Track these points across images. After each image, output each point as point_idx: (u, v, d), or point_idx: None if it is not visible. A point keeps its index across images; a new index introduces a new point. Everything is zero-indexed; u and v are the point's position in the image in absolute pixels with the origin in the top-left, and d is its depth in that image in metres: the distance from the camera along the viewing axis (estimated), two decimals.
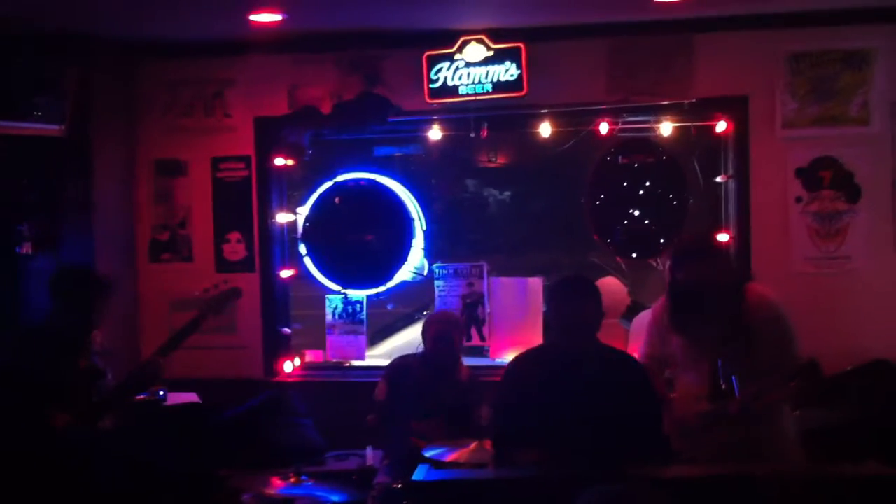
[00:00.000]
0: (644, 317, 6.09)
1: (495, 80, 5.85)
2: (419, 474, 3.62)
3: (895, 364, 5.51)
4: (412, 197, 6.49)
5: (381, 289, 6.40)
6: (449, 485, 3.62)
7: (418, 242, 6.41)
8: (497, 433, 4.16)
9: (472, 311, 6.33)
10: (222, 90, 6.31)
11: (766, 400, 3.89)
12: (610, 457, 3.67)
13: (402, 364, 5.45)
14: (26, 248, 5.77)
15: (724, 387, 3.86)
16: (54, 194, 5.86)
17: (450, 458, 4.50)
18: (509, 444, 3.98)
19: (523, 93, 5.82)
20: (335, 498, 4.39)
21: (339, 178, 6.44)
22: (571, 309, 3.90)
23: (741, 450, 3.87)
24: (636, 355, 5.96)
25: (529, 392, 3.97)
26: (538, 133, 6.07)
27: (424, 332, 5.31)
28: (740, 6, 5.58)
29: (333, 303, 6.46)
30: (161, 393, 5.43)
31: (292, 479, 4.52)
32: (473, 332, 6.31)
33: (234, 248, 6.36)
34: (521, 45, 5.79)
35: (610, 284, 6.19)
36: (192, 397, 5.74)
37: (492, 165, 7.46)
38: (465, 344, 6.15)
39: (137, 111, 6.40)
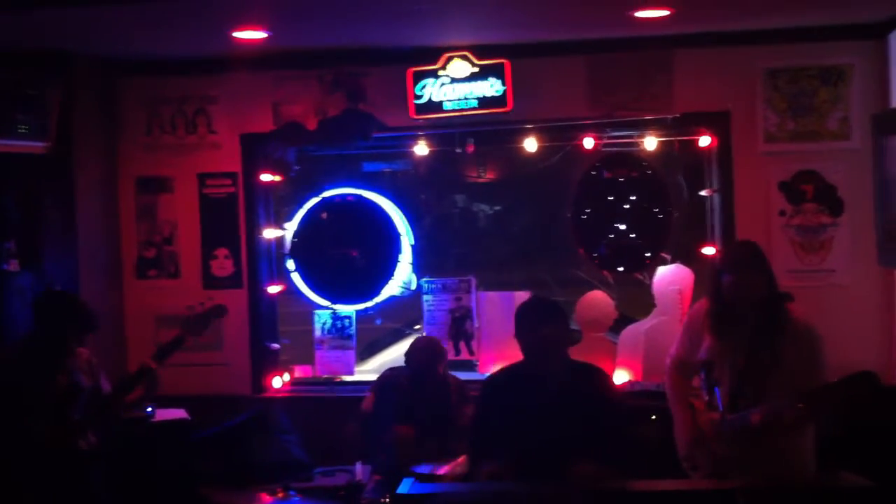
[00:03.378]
0: (632, 330, 6.13)
1: (480, 95, 5.88)
2: (404, 488, 3.64)
3: (879, 376, 5.54)
4: (399, 212, 6.52)
5: (370, 304, 6.42)
6: (434, 498, 3.64)
7: (406, 257, 6.44)
8: (470, 448, 4.20)
9: (461, 326, 6.35)
10: (205, 107, 6.33)
11: (786, 419, 3.93)
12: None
13: (391, 377, 5.47)
14: (13, 266, 5.78)
15: (706, 398, 3.90)
16: (36, 211, 5.86)
17: (437, 471, 4.52)
18: (481, 458, 4.01)
19: (508, 108, 5.85)
20: None
21: (327, 194, 6.47)
22: (536, 333, 3.96)
23: (752, 463, 3.89)
24: (626, 368, 6.04)
25: (500, 409, 4.02)
26: (523, 148, 6.11)
27: (408, 360, 5.33)
28: (718, 23, 5.63)
29: (322, 318, 6.47)
30: (149, 409, 5.45)
31: (280, 495, 4.52)
32: (462, 346, 6.33)
33: (222, 264, 6.36)
34: (504, 61, 5.83)
35: (597, 298, 6.21)
36: (180, 413, 5.75)
37: (479, 181, 7.50)
38: (454, 358, 6.18)
39: (119, 129, 6.40)
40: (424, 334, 6.20)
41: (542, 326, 3.97)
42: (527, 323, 4.02)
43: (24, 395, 4.49)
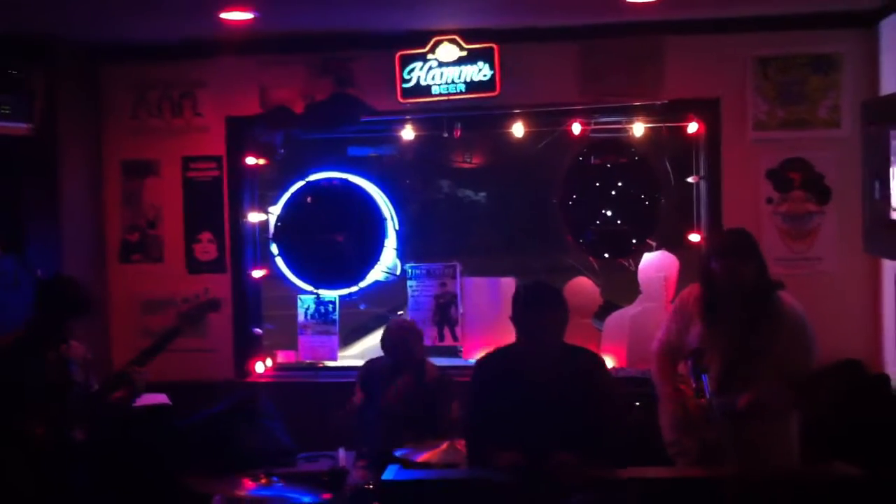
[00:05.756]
0: (617, 316, 6.12)
1: (468, 80, 5.84)
2: (389, 474, 3.62)
3: (865, 364, 5.56)
4: (385, 197, 6.48)
5: (354, 289, 6.39)
6: (419, 484, 3.62)
7: (391, 242, 6.40)
8: (469, 433, 4.17)
9: (445, 311, 6.33)
10: (192, 90, 6.27)
11: (773, 404, 3.93)
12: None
13: (372, 367, 5.45)
14: None
15: (694, 385, 3.89)
16: (19, 194, 5.80)
17: (421, 458, 4.50)
18: (482, 444, 3.98)
19: (496, 93, 5.82)
20: (306, 499, 4.36)
21: (312, 178, 6.43)
22: (536, 317, 3.93)
23: (738, 448, 3.88)
24: (611, 355, 6.03)
25: (493, 390, 3.99)
26: (511, 134, 6.07)
27: (382, 343, 5.31)
28: (709, 9, 5.61)
29: (305, 303, 6.43)
30: None
31: (263, 481, 4.48)
32: (446, 332, 6.31)
33: (206, 249, 6.32)
34: (493, 45, 5.79)
35: (582, 285, 6.19)
36: (161, 398, 5.70)
37: (466, 166, 7.48)
38: (438, 344, 6.16)
39: (104, 112, 6.35)
40: (401, 316, 6.18)
41: (541, 309, 3.93)
42: (525, 305, 3.98)
43: (19, 390, 4.44)
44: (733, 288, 4.07)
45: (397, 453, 4.51)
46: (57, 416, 4.49)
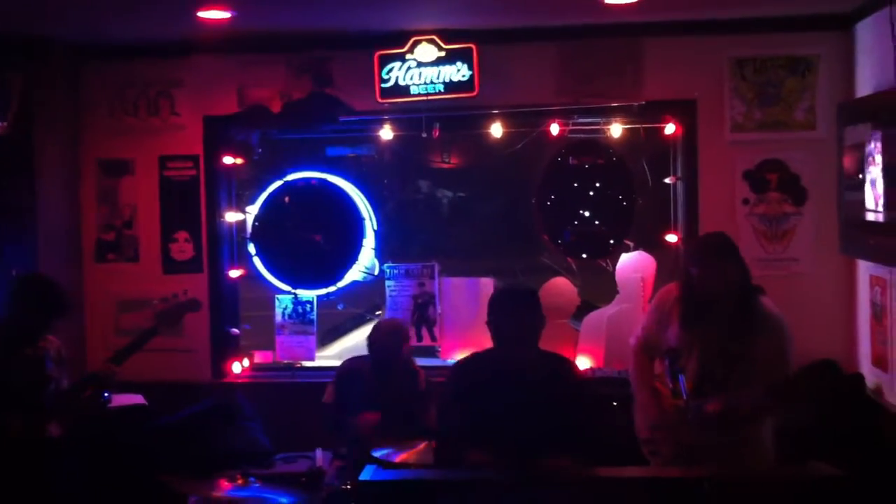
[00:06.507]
0: (595, 316, 6.14)
1: (447, 80, 5.84)
2: (367, 474, 3.61)
3: (840, 365, 5.59)
4: (363, 197, 6.47)
5: (332, 289, 6.38)
6: (396, 485, 3.62)
7: (369, 242, 6.40)
8: (439, 433, 4.17)
9: (424, 312, 6.33)
10: (168, 89, 6.24)
11: (745, 410, 3.94)
12: (544, 457, 3.73)
13: (351, 367, 5.40)
14: None
15: (671, 385, 3.90)
16: None
17: (399, 458, 4.49)
18: (452, 444, 3.99)
19: (474, 93, 5.82)
20: (283, 500, 4.34)
21: (290, 178, 6.41)
22: (512, 320, 3.93)
23: (711, 451, 3.89)
24: (588, 355, 6.05)
25: (471, 395, 3.99)
26: (489, 134, 6.08)
27: (370, 343, 5.28)
28: (688, 12, 5.64)
29: (283, 303, 6.41)
30: (105, 395, 5.35)
31: (240, 482, 4.46)
32: (424, 332, 6.31)
33: (182, 248, 6.29)
34: (472, 45, 5.79)
35: (560, 285, 6.21)
36: (137, 399, 5.67)
37: (444, 166, 7.47)
38: (417, 344, 6.15)
39: (81, 111, 6.31)
40: (385, 318, 6.16)
41: (515, 314, 3.93)
42: (503, 309, 3.98)
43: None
44: (713, 292, 4.07)
45: (375, 454, 4.50)
46: (33, 411, 4.46)
